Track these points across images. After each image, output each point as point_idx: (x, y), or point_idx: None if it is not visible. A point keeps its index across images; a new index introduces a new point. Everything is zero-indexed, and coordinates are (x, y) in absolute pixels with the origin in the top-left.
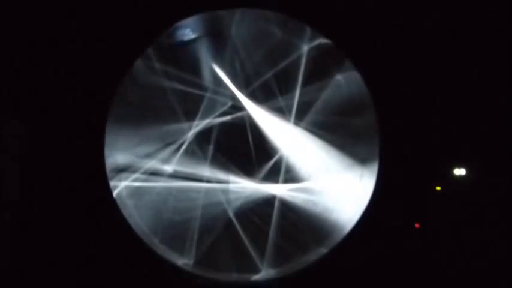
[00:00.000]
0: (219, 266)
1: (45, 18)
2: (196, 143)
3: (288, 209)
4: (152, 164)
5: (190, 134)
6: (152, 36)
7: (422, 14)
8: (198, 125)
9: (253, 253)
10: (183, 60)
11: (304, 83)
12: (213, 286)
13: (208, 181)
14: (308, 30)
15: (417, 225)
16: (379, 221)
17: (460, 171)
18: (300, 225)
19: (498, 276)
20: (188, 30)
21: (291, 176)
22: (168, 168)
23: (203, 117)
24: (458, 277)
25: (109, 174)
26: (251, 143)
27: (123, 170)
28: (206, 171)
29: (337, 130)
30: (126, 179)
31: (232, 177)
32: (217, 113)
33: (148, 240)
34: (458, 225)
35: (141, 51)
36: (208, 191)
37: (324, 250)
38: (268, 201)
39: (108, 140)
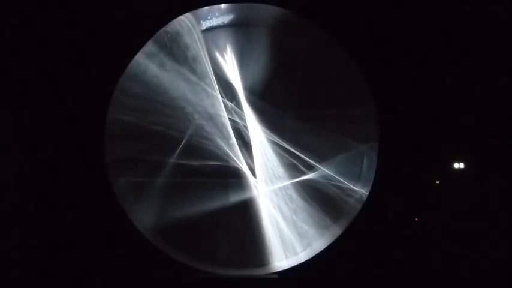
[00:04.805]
0: (220, 260)
1: (44, 11)
2: (197, 138)
3: (290, 201)
4: (153, 158)
5: (191, 129)
6: (152, 30)
7: (422, 8)
8: (199, 120)
9: (254, 248)
10: (184, 55)
11: (305, 77)
12: (213, 281)
13: (209, 175)
14: (309, 25)
15: (417, 219)
16: (379, 214)
17: (459, 165)
18: (301, 217)
19: (497, 270)
20: (189, 26)
21: (292, 169)
22: (169, 163)
23: (204, 113)
24: (456, 270)
25: (109, 168)
26: (252, 137)
27: (123, 164)
28: (207, 166)
29: (337, 123)
30: (127, 173)
31: (233, 171)
32: (218, 108)
33: (149, 234)
34: (458, 218)
35: (142, 45)
36: (209, 186)
37: (325, 243)
38: (269, 195)
39: (109, 132)
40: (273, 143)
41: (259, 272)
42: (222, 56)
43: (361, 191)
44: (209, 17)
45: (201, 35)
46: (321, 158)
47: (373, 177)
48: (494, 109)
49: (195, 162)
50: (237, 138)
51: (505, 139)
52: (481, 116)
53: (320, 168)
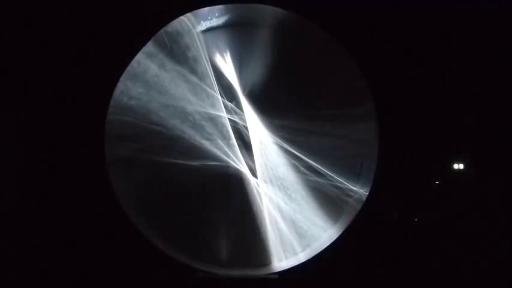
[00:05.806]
0: (220, 260)
1: (44, 11)
2: (197, 139)
3: (289, 201)
4: (153, 158)
5: (191, 129)
6: (152, 30)
7: (422, 8)
8: (200, 120)
9: (254, 248)
10: (185, 55)
11: (305, 77)
12: (213, 281)
13: (210, 175)
14: (309, 25)
15: (416, 219)
16: (379, 214)
17: (458, 166)
18: (301, 217)
19: (497, 270)
20: (189, 26)
21: (292, 169)
22: (169, 163)
23: (204, 113)
24: (456, 270)
25: (109, 168)
26: (252, 137)
27: (123, 164)
28: (207, 166)
29: (337, 123)
30: (127, 173)
31: (233, 172)
32: (218, 108)
33: (149, 234)
34: (458, 218)
35: (142, 45)
36: (209, 186)
37: (325, 243)
38: (269, 195)
39: (110, 132)
40: (273, 143)
41: (259, 272)
42: (222, 56)
43: (361, 191)
44: (209, 17)
45: (201, 35)
46: (321, 158)
47: (373, 177)
48: (494, 109)
49: (195, 162)
50: (237, 139)
51: (505, 139)
52: (481, 116)
53: (320, 168)
